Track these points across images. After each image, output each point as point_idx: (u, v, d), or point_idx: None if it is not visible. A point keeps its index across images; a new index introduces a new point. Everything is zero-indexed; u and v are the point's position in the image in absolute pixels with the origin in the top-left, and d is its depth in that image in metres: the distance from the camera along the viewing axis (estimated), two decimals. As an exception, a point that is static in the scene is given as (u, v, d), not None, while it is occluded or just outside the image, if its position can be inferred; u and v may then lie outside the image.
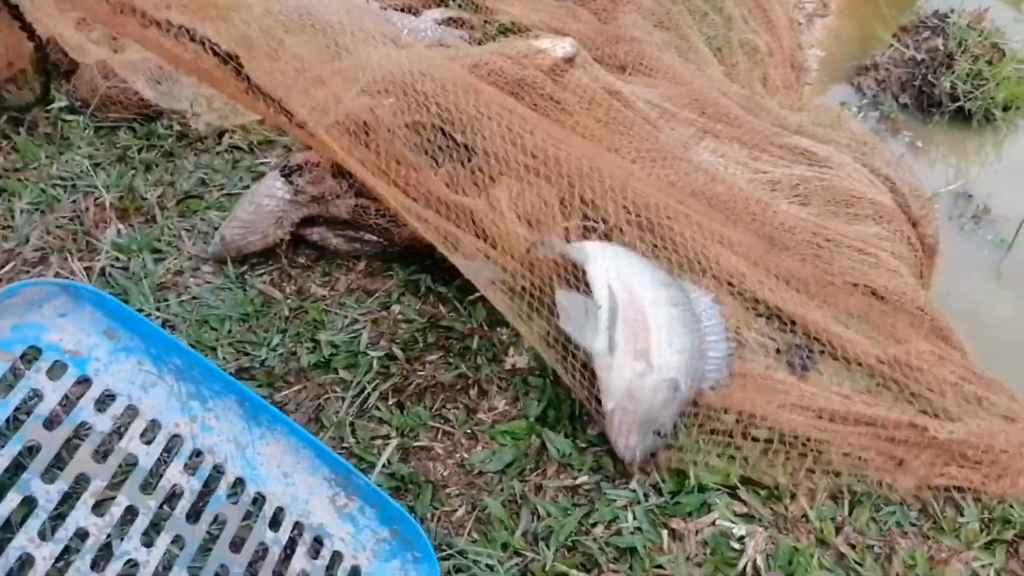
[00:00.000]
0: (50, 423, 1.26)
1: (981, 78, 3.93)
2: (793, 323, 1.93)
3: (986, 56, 3.97)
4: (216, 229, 2.15)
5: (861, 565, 1.54)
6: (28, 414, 1.26)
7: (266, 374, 1.82)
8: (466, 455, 1.73)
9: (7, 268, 2.01)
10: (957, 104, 3.97)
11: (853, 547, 1.57)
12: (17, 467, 1.23)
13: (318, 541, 1.44)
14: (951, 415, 1.77)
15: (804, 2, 4.10)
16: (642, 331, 1.74)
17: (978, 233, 3.49)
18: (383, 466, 1.67)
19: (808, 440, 1.69)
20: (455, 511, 1.64)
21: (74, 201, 2.21)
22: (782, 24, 3.43)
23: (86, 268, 2.02)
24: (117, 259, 2.06)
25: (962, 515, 1.61)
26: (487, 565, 1.54)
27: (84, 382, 1.33)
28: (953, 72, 3.95)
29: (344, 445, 1.71)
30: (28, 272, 2.01)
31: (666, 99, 2.56)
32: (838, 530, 1.60)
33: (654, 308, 1.78)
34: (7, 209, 2.15)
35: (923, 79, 4.04)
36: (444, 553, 1.54)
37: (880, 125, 4.02)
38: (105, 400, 1.33)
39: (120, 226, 2.15)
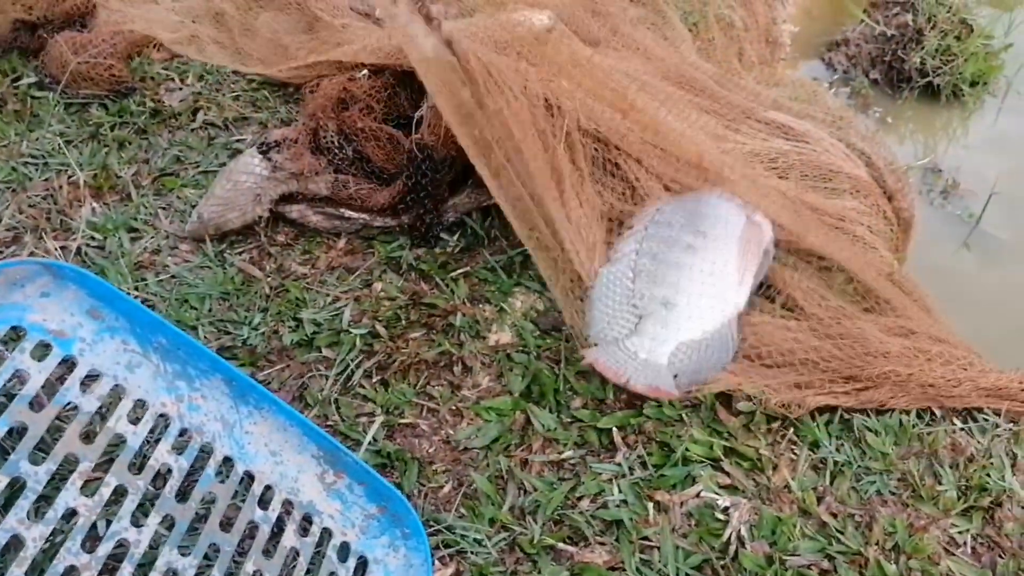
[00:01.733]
0: (35, 404, 1.24)
1: (950, 54, 3.96)
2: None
3: (954, 32, 4.00)
4: (193, 207, 2.12)
5: (843, 533, 1.56)
6: (13, 395, 1.24)
7: (249, 353, 1.81)
8: (451, 431, 1.74)
9: (-21, 249, 1.98)
10: (926, 80, 3.99)
11: (835, 516, 1.60)
12: (3, 449, 1.22)
13: (307, 518, 1.44)
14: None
15: (777, -23, 4.11)
16: None
17: (947, 208, 3.54)
18: (369, 443, 1.68)
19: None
20: (442, 487, 1.65)
21: (46, 179, 2.17)
22: (756, -1, 3.45)
23: (61, 247, 1.99)
24: (93, 238, 2.03)
25: (940, 483, 1.65)
26: (475, 540, 1.55)
27: (69, 362, 1.31)
28: (922, 48, 3.97)
29: (329, 423, 1.71)
30: (1, 252, 1.97)
31: (642, 73, 2.56)
32: (820, 500, 1.62)
33: None
34: (-20, 186, 2.11)
35: (893, 55, 4.06)
36: (432, 529, 1.55)
37: (850, 101, 4.05)
38: (90, 381, 1.32)
39: (95, 204, 2.12)
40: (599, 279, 1.88)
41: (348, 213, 2.09)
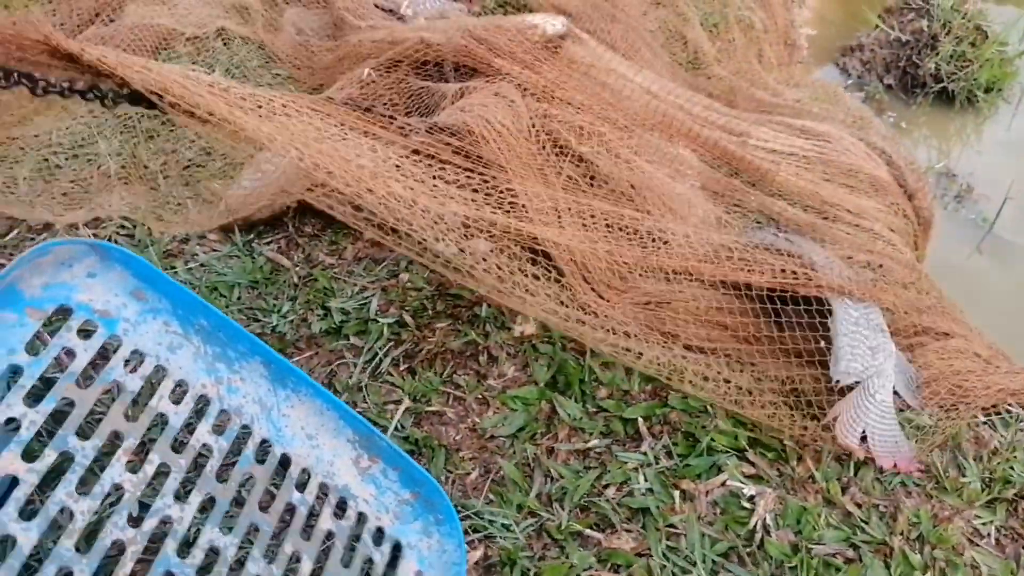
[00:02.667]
0: (82, 381, 1.27)
1: (964, 60, 3.99)
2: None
3: (969, 38, 4.03)
4: (221, 198, 2.15)
5: (867, 523, 1.59)
6: (60, 372, 1.26)
7: (278, 340, 1.84)
8: (478, 420, 1.76)
9: (11, 235, 2.00)
10: (940, 85, 4.02)
11: (859, 506, 1.62)
12: (53, 424, 1.24)
13: (342, 502, 1.46)
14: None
15: (796, -20, 4.15)
16: None
17: (961, 212, 3.56)
18: (396, 430, 1.70)
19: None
20: (469, 474, 1.67)
21: (75, 169, 2.20)
22: (776, 1, 3.47)
23: (92, 235, 2.01)
24: (123, 226, 2.06)
25: (964, 475, 1.67)
26: (503, 525, 1.57)
27: (113, 342, 1.33)
28: (937, 54, 4.00)
29: (357, 410, 1.72)
30: (33, 240, 2.00)
31: (654, 81, 2.58)
32: (844, 490, 1.64)
33: None
34: (10, 176, 2.14)
35: (908, 60, 4.09)
36: (461, 514, 1.57)
37: (865, 105, 4.08)
38: (134, 360, 1.34)
39: (124, 194, 2.15)
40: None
41: None
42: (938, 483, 1.66)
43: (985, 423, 1.77)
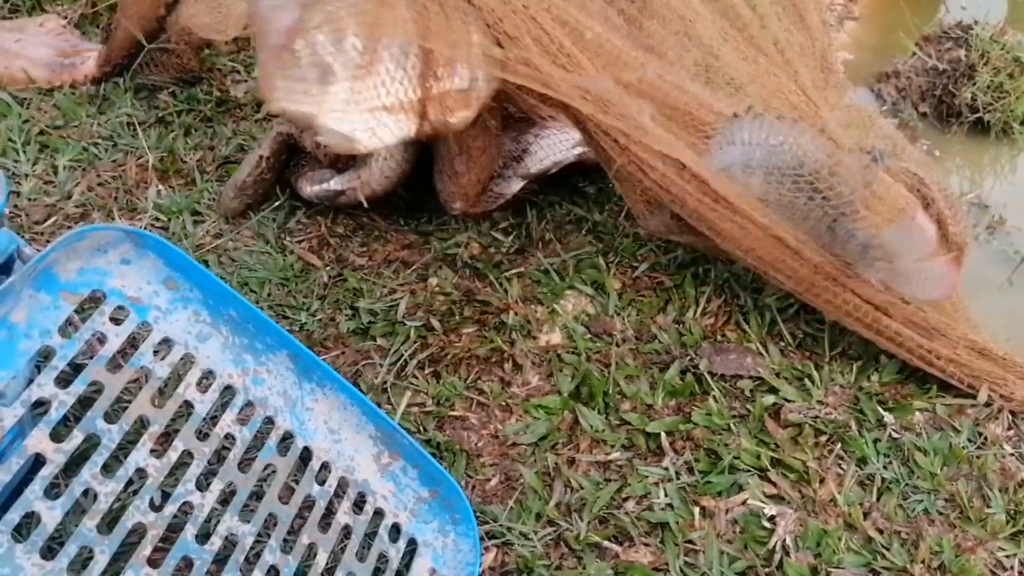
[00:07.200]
0: (111, 367, 1.28)
1: (1002, 91, 3.95)
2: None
3: (1007, 69, 3.99)
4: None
5: (888, 549, 1.56)
6: (91, 356, 1.28)
7: (305, 337, 1.85)
8: (500, 426, 1.76)
9: (49, 222, 2.03)
10: (976, 115, 3.98)
11: (881, 532, 1.60)
12: (81, 408, 1.26)
13: (361, 497, 1.46)
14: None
15: (835, 4, 4.13)
16: None
17: (992, 243, 3.52)
18: (418, 432, 1.71)
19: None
20: (489, 480, 1.67)
21: (115, 160, 2.23)
22: (815, 24, 3.45)
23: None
24: (157, 219, 2.08)
25: (989, 506, 1.64)
26: (521, 533, 1.57)
27: (144, 329, 1.34)
28: (974, 83, 3.96)
29: (382, 410, 1.73)
30: (70, 226, 2.03)
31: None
32: (866, 515, 1.62)
33: None
34: (50, 165, 2.17)
35: (944, 89, 4.06)
36: (479, 520, 1.57)
37: (899, 132, 4.04)
38: (163, 348, 1.35)
39: (160, 187, 2.18)
40: None
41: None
42: (962, 513, 1.63)
43: (1012, 455, 1.74)
